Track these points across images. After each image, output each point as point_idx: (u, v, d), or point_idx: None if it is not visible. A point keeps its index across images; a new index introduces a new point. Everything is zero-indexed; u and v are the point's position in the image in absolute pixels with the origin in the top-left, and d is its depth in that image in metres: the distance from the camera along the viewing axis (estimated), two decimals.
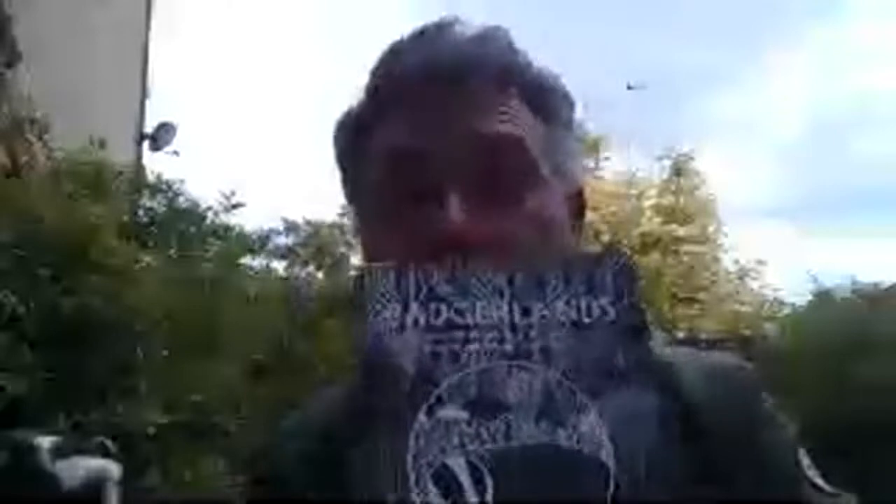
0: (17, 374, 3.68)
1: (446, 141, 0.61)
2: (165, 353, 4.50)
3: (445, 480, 0.44)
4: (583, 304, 0.48)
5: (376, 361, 0.47)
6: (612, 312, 0.48)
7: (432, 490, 0.44)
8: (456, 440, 0.45)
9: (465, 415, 0.45)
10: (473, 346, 0.47)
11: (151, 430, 4.18)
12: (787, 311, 12.06)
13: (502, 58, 0.65)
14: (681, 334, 12.14)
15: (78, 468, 3.27)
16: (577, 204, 0.71)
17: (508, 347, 0.47)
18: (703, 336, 12.13)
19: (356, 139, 0.68)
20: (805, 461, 0.64)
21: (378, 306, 0.48)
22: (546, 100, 0.67)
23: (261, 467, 0.75)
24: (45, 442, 3.24)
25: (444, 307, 0.48)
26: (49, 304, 3.96)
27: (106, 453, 3.50)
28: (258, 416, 4.89)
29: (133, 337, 4.27)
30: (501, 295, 0.48)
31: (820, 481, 0.63)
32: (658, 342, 0.69)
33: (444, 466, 0.44)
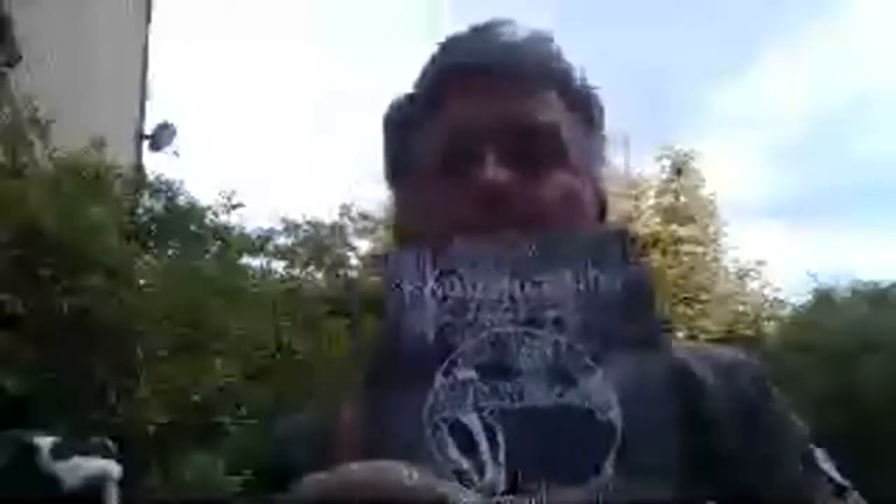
0: (18, 374, 3.68)
1: (494, 121, 0.69)
2: (165, 353, 4.50)
3: (459, 433, 0.48)
4: (590, 274, 0.51)
5: (399, 331, 0.51)
6: (618, 281, 0.50)
7: (447, 439, 0.48)
8: (470, 398, 0.49)
9: (480, 375, 0.49)
10: (486, 315, 0.50)
11: (151, 430, 4.18)
12: (787, 311, 12.07)
13: (548, 58, 0.73)
14: (681, 334, 12.13)
15: (78, 468, 3.27)
16: (600, 203, 0.76)
17: (519, 315, 0.50)
18: (703, 336, 12.13)
19: (415, 115, 0.75)
20: (820, 455, 0.64)
21: (398, 285, 0.52)
22: (581, 102, 0.74)
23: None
24: (45, 442, 3.24)
25: (458, 281, 0.51)
26: (49, 304, 3.96)
27: (106, 453, 3.50)
28: (258, 416, 4.89)
29: (133, 337, 4.27)
30: (512, 268, 0.51)
31: (835, 475, 0.64)
32: (668, 340, 0.70)
33: (458, 421, 0.48)
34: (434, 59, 0.75)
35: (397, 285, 0.52)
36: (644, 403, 0.47)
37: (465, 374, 0.49)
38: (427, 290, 0.51)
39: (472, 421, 0.48)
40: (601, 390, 0.47)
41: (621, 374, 0.48)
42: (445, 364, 0.49)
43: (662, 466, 0.46)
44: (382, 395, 0.49)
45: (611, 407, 0.47)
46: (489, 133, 0.68)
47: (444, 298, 0.51)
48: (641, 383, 0.48)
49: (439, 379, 0.49)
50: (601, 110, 0.77)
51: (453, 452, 0.47)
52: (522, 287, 0.51)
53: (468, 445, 0.47)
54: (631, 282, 0.50)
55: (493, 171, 0.65)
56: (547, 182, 0.68)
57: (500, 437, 0.47)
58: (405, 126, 0.76)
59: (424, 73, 0.75)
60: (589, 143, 0.74)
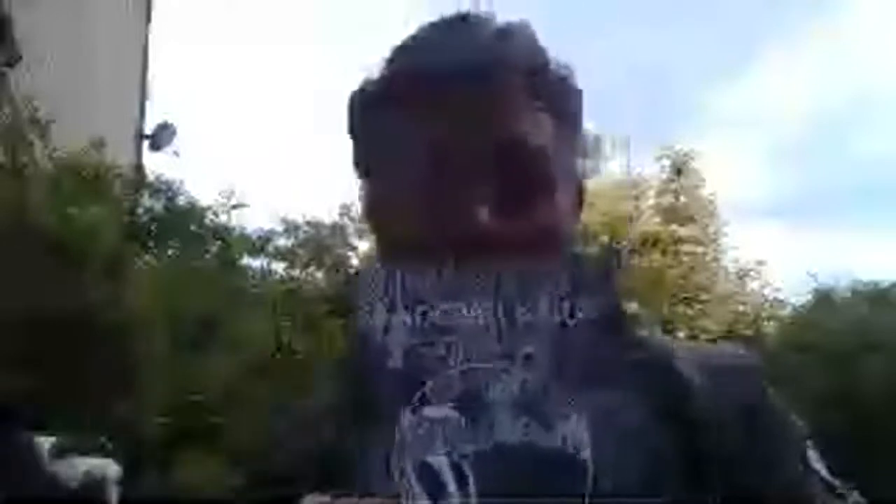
0: (18, 374, 3.68)
1: (472, 140, 0.61)
2: (165, 353, 4.50)
3: (428, 477, 0.45)
4: (565, 306, 0.49)
5: (365, 361, 0.48)
6: (593, 314, 0.48)
7: (416, 485, 0.45)
8: (440, 438, 0.46)
9: (450, 413, 0.46)
10: (458, 348, 0.48)
11: (151, 430, 4.18)
12: (787, 311, 12.08)
13: (527, 56, 0.65)
14: (681, 334, 12.12)
15: (78, 468, 3.28)
16: (578, 199, 0.71)
17: (492, 348, 0.48)
18: (703, 336, 12.13)
19: (376, 115, 0.67)
20: (813, 455, 0.63)
21: (368, 308, 0.49)
22: (563, 100, 0.67)
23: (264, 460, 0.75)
24: (45, 442, 3.24)
25: (430, 309, 0.49)
26: (49, 304, 3.96)
27: (106, 453, 3.50)
28: (258, 415, 4.89)
29: (133, 337, 4.27)
30: (486, 297, 0.49)
31: (829, 476, 0.63)
32: (655, 338, 0.70)
33: (427, 464, 0.45)
34: (404, 52, 0.66)
35: (365, 311, 0.49)
36: (619, 442, 0.46)
37: (434, 412, 0.47)
38: (397, 319, 0.49)
39: (441, 463, 0.45)
40: (574, 430, 0.46)
41: (595, 412, 0.46)
42: (414, 401, 0.47)
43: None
44: (350, 433, 0.47)
45: (584, 447, 0.45)
46: (470, 156, 0.61)
47: (415, 329, 0.49)
48: (616, 422, 0.46)
49: (407, 416, 0.46)
50: (581, 101, 0.70)
51: (421, 498, 0.45)
52: (497, 321, 0.48)
53: (436, 490, 0.45)
54: (607, 316, 0.49)
55: (480, 212, 0.58)
56: (531, 217, 0.61)
57: (471, 481, 0.45)
58: (373, 119, 0.68)
59: (394, 65, 0.66)
60: (569, 144, 0.68)
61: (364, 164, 0.71)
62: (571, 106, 0.69)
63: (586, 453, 0.45)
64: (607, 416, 0.46)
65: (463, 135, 0.62)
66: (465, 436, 0.46)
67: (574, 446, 0.45)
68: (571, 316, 0.48)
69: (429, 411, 0.46)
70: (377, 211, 0.70)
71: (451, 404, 0.47)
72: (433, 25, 0.66)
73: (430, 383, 0.47)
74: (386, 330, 0.49)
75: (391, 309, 0.49)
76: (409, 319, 0.49)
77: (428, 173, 0.62)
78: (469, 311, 0.49)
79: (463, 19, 0.66)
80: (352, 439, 0.47)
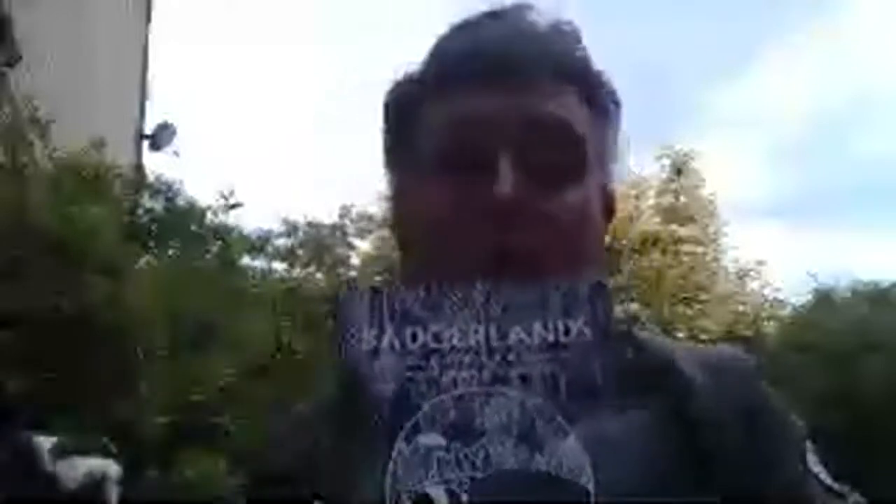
0: (18, 374, 3.68)
1: (507, 122, 0.64)
2: (165, 353, 4.50)
3: None
4: (559, 327, 0.47)
5: (354, 386, 0.47)
6: (587, 335, 0.47)
7: None
8: (435, 466, 0.44)
9: (444, 440, 0.45)
10: (451, 371, 0.46)
11: (151, 430, 4.18)
12: (787, 311, 12.08)
13: (568, 52, 0.68)
14: (681, 334, 12.11)
15: (78, 468, 3.27)
16: (608, 204, 0.73)
17: (486, 372, 0.46)
18: (703, 336, 12.12)
19: (420, 105, 0.69)
20: (812, 457, 0.63)
21: (356, 330, 0.48)
22: (601, 100, 0.70)
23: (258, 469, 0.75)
24: (46, 442, 3.24)
25: (420, 330, 0.47)
26: (49, 304, 3.96)
27: (106, 453, 3.50)
28: (258, 416, 4.89)
29: (133, 337, 4.27)
30: (478, 318, 0.47)
31: (827, 478, 0.63)
32: (656, 339, 0.70)
33: (423, 494, 0.44)
34: (450, 44, 0.69)
35: (353, 334, 0.47)
36: (620, 456, 0.45)
37: (428, 439, 0.45)
38: (387, 342, 0.47)
39: (438, 493, 0.44)
40: (573, 454, 0.44)
41: (595, 429, 0.45)
42: (407, 428, 0.45)
43: None
44: (341, 461, 0.46)
45: (584, 469, 0.44)
46: (503, 139, 0.62)
47: (405, 351, 0.47)
48: (617, 434, 0.45)
49: (401, 444, 0.45)
50: (619, 109, 0.72)
51: None
52: (489, 340, 0.47)
53: None
54: (601, 336, 0.47)
55: (506, 182, 0.60)
56: (560, 192, 0.63)
57: None
58: (409, 114, 0.70)
59: (437, 58, 0.69)
60: (605, 143, 0.70)
61: (397, 157, 0.73)
62: (609, 109, 0.70)
63: (586, 475, 0.44)
64: (607, 429, 0.46)
65: (500, 117, 0.63)
66: (462, 463, 0.44)
67: (573, 469, 0.44)
68: (566, 333, 0.47)
69: (423, 439, 0.45)
70: (405, 200, 0.71)
71: (445, 431, 0.45)
72: (483, 16, 0.68)
73: (423, 409, 0.45)
74: (375, 353, 0.47)
75: (379, 331, 0.47)
76: (398, 342, 0.47)
77: (455, 154, 0.64)
78: (460, 332, 0.47)
79: (511, 12, 0.68)
80: (343, 465, 0.46)
